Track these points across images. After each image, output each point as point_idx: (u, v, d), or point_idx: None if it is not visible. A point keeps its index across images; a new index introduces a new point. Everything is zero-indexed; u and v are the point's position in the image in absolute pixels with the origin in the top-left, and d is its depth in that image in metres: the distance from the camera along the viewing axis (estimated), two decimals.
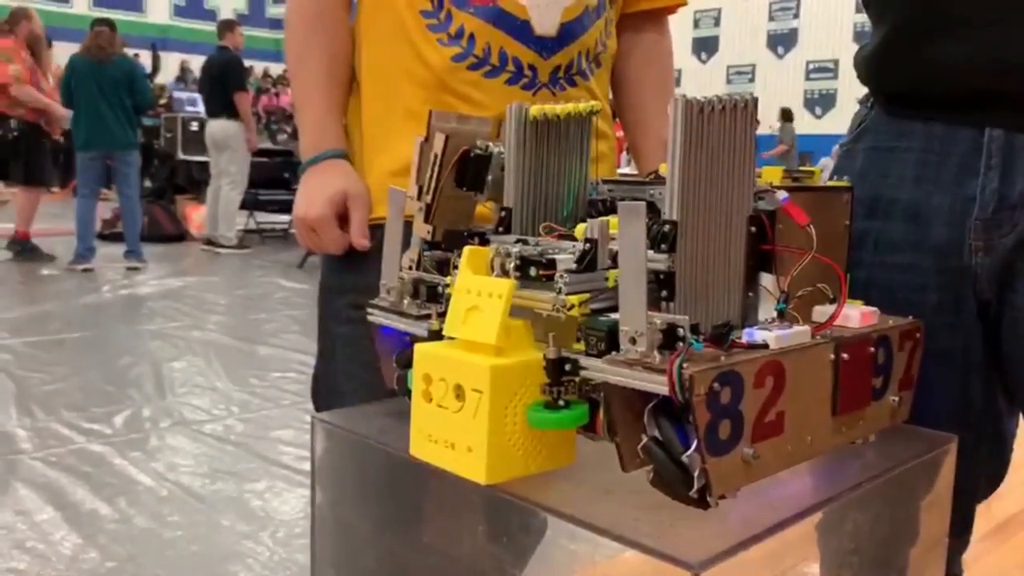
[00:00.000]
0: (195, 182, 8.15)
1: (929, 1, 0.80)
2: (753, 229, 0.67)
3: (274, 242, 7.72)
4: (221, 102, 6.84)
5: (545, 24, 1.02)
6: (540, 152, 0.77)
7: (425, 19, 1.02)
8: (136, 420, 2.99)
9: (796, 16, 15.02)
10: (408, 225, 0.79)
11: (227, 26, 7.14)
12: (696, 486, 0.57)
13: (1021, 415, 0.88)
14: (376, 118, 1.07)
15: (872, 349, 0.69)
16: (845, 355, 0.66)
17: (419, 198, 0.78)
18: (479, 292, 0.63)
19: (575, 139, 0.79)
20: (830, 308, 0.69)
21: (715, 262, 0.64)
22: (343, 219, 1.04)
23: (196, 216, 7.81)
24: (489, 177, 0.78)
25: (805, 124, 14.06)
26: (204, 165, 7.56)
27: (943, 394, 0.83)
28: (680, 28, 15.77)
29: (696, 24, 16.12)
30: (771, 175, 0.72)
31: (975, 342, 0.83)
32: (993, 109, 0.77)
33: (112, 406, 3.10)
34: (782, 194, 0.68)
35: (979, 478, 0.90)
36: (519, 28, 1.01)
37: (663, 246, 0.61)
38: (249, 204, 7.62)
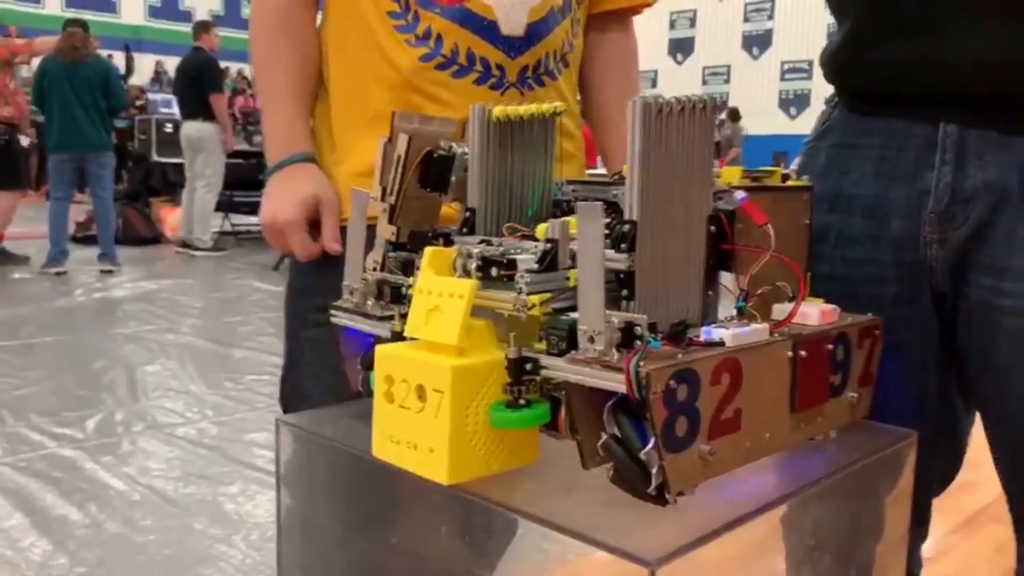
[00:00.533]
0: (170, 184, 8.09)
1: (883, 6, 0.82)
2: (712, 228, 0.68)
3: (249, 244, 7.67)
4: (196, 104, 6.79)
5: (512, 24, 1.02)
6: (504, 153, 0.77)
7: (392, 20, 1.02)
8: (108, 424, 2.96)
9: (771, 17, 15.15)
10: (373, 226, 0.79)
11: (202, 27, 7.09)
12: (654, 483, 0.57)
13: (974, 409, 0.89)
14: (345, 120, 1.07)
15: (830, 346, 0.70)
16: (803, 352, 0.67)
17: (383, 199, 0.78)
18: (440, 293, 0.64)
19: (539, 139, 0.80)
20: (789, 306, 0.70)
21: (675, 261, 0.65)
22: (313, 224, 1.04)
23: (171, 218, 7.75)
24: (453, 178, 0.78)
25: (780, 124, 14.18)
26: (179, 167, 7.50)
27: (901, 387, 0.84)
28: (656, 29, 15.86)
29: (672, 25, 16.22)
30: (730, 175, 0.73)
31: (931, 335, 0.85)
32: (946, 107, 0.79)
33: (84, 410, 3.07)
34: (740, 194, 0.69)
35: (935, 472, 0.91)
36: (486, 28, 1.02)
37: (623, 246, 0.62)
38: (224, 206, 7.58)
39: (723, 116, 11.97)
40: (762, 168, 0.78)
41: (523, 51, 1.03)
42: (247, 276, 6.08)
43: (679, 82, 15.49)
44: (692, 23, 16.09)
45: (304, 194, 1.02)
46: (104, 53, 7.18)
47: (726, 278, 0.70)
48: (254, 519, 2.25)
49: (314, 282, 1.05)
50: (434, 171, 0.78)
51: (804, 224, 0.78)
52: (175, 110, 7.81)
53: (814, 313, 0.71)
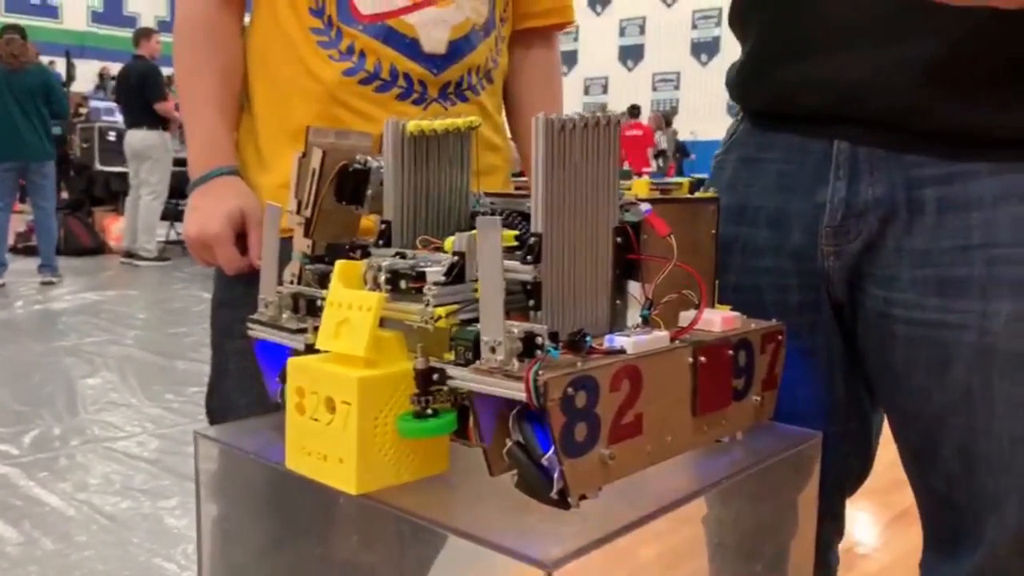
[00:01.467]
0: (113, 194, 7.94)
1: (778, 29, 0.85)
2: (619, 240, 0.70)
3: None
4: (139, 112, 6.71)
5: (433, 42, 1.04)
6: (419, 166, 0.79)
7: (315, 36, 1.03)
8: (46, 439, 2.90)
9: (718, 24, 15.37)
10: (291, 239, 0.80)
11: (143, 34, 7.00)
12: (556, 488, 0.59)
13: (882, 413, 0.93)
14: (269, 133, 1.08)
15: (731, 352, 0.73)
16: (703, 358, 0.69)
17: (299, 212, 0.79)
18: (350, 305, 0.65)
19: (456, 153, 0.81)
20: (695, 313, 0.72)
21: (582, 272, 0.67)
22: (239, 237, 1.04)
23: (114, 228, 7.62)
24: (369, 191, 0.80)
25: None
26: (122, 176, 7.37)
27: (809, 391, 0.88)
28: (606, 36, 16.01)
29: (622, 32, 16.38)
30: (639, 188, 0.76)
31: (835, 340, 0.88)
32: (838, 124, 0.82)
33: (20, 425, 3.01)
34: (645, 206, 0.71)
35: (848, 471, 0.95)
36: (408, 46, 1.03)
37: (529, 257, 0.64)
38: (170, 214, 7.47)
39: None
40: (671, 180, 0.81)
41: (445, 68, 1.05)
42: (192, 286, 6.00)
43: (629, 88, 15.66)
44: (642, 30, 16.27)
45: (230, 207, 1.02)
46: (46, 60, 7.04)
47: (634, 287, 0.73)
48: (193, 532, 2.22)
49: (242, 293, 1.05)
50: (349, 185, 0.79)
51: (711, 234, 0.80)
52: (118, 118, 7.68)
53: (717, 320, 0.74)
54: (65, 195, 8.26)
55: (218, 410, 1.09)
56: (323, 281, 0.77)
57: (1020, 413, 0.77)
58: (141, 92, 6.65)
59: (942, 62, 0.76)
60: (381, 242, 0.77)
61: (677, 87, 15.93)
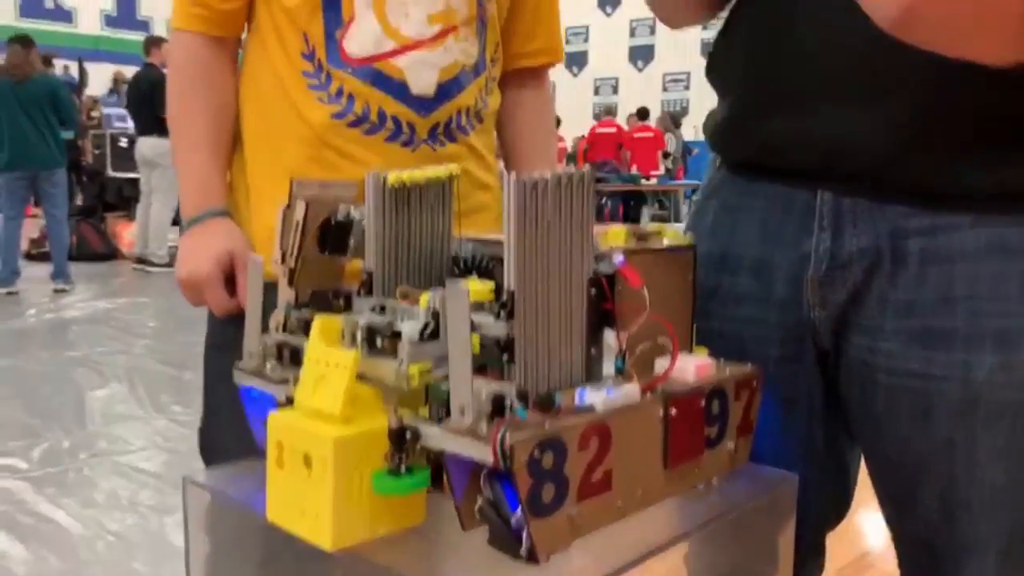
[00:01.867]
0: (125, 199, 8.01)
1: (761, 82, 0.85)
2: (593, 291, 0.71)
3: None
4: (150, 120, 6.76)
5: (421, 84, 1.05)
6: (401, 215, 0.80)
7: (306, 79, 1.05)
8: (54, 453, 2.94)
9: None
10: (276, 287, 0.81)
11: (153, 43, 7.07)
12: (524, 546, 0.60)
13: (860, 451, 0.93)
14: (260, 174, 1.10)
15: (703, 402, 0.74)
16: (674, 410, 0.70)
17: (283, 262, 0.81)
18: (327, 363, 0.66)
19: (437, 200, 0.83)
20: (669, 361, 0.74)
21: (556, 326, 0.68)
22: (229, 279, 1.06)
23: (126, 234, 7.69)
24: (352, 241, 0.81)
25: None
26: (134, 182, 7.43)
27: (789, 437, 0.88)
28: (617, 37, 16.01)
29: (632, 33, 16.37)
30: (615, 237, 0.77)
31: (816, 389, 0.88)
32: (821, 177, 0.82)
33: (30, 439, 3.05)
34: (619, 257, 0.72)
35: (827, 510, 0.96)
36: (397, 88, 1.04)
37: (503, 313, 0.66)
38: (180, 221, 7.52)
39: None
40: (650, 225, 0.82)
41: (433, 109, 1.06)
42: None
43: (640, 89, 15.65)
44: (652, 31, 16.24)
45: (218, 250, 1.04)
46: (60, 64, 7.11)
47: (611, 336, 0.74)
48: None
49: (233, 335, 1.06)
50: (333, 236, 0.81)
51: (688, 281, 0.81)
52: (130, 124, 7.74)
53: (691, 368, 0.75)
54: (79, 201, 8.34)
55: (209, 449, 1.11)
56: (307, 328, 0.79)
57: (1001, 462, 0.78)
58: (152, 100, 6.70)
59: (924, 120, 0.77)
60: (362, 291, 0.79)
61: (687, 87, 15.90)
